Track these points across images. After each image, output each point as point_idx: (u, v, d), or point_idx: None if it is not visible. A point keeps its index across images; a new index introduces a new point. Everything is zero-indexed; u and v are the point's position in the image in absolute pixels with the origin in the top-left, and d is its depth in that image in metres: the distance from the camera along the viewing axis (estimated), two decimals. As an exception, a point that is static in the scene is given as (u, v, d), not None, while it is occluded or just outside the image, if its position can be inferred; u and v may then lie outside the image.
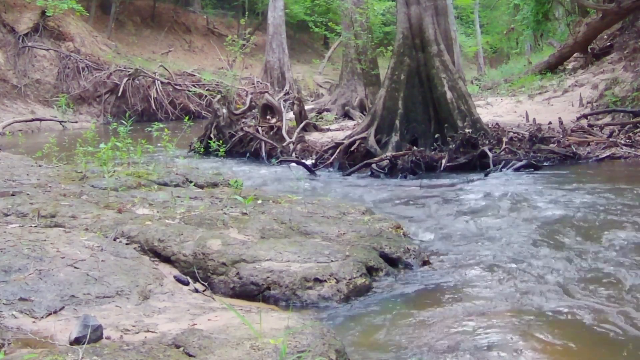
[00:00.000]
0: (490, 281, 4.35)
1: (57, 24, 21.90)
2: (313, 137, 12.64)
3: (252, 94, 20.45)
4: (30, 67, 20.48)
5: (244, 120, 13.57)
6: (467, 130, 9.78)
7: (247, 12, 28.39)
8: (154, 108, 21.19)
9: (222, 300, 3.80)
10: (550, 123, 11.73)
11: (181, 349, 2.67)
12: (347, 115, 17.00)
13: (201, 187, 6.75)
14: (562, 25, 24.20)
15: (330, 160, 10.31)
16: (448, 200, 7.33)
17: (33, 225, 4.56)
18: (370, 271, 4.26)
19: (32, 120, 18.36)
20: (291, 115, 13.70)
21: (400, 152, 9.68)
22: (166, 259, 4.30)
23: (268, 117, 13.03)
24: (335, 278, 3.98)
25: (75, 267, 3.55)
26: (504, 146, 9.87)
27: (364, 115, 14.23)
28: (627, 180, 8.20)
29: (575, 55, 18.62)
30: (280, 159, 10.88)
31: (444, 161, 9.43)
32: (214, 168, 8.93)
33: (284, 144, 11.59)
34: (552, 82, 16.73)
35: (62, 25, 22.12)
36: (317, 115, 16.53)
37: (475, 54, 40.02)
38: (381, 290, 4.13)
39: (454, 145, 9.63)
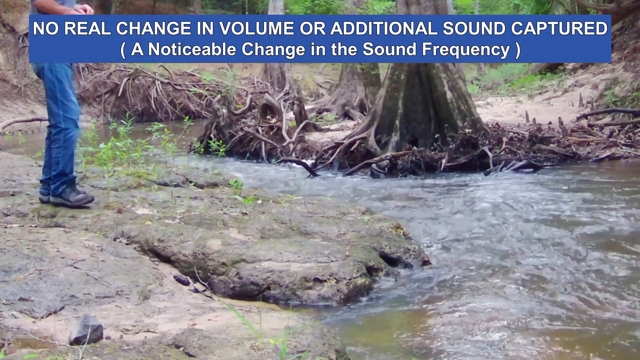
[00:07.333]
0: (490, 281, 4.35)
1: (57, 23, 21.88)
2: (313, 137, 12.63)
3: (252, 94, 20.44)
4: (30, 67, 20.47)
5: (244, 120, 13.57)
6: (467, 130, 9.79)
7: (247, 12, 28.40)
8: (154, 108, 21.17)
9: (222, 300, 3.80)
10: (550, 123, 11.73)
11: (181, 349, 2.67)
12: (347, 115, 16.99)
13: (201, 187, 6.74)
14: (562, 25, 24.15)
15: (330, 160, 10.31)
16: (448, 200, 7.33)
17: (33, 225, 4.55)
18: (371, 271, 4.26)
19: (32, 120, 18.30)
20: (291, 115, 13.69)
21: (400, 152, 9.68)
22: (166, 259, 4.30)
23: (268, 117, 13.02)
24: (335, 278, 3.98)
25: (75, 267, 3.55)
26: (504, 146, 9.87)
27: (364, 115, 14.22)
28: (627, 180, 8.20)
29: (575, 55, 18.57)
30: (280, 159, 10.87)
31: (444, 161, 9.43)
32: (214, 168, 8.92)
33: (284, 144, 11.58)
34: (552, 82, 16.73)
35: (62, 25, 22.10)
36: (317, 115, 16.51)
37: (475, 54, 39.94)
38: (381, 291, 4.13)
39: (454, 145, 9.63)
